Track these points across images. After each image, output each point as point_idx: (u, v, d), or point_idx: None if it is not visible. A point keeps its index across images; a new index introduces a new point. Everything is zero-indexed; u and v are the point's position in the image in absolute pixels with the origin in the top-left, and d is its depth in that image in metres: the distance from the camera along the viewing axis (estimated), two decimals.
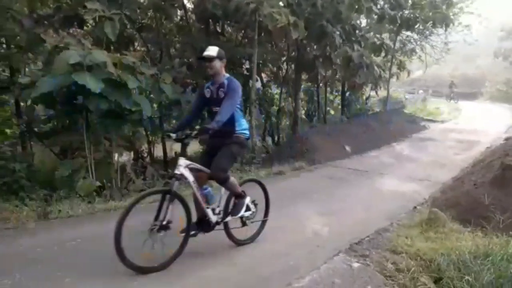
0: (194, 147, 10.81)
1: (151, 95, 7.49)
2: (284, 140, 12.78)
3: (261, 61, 12.18)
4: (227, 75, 3.87)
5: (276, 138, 13.35)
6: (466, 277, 3.08)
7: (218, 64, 3.76)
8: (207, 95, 3.88)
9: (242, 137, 3.88)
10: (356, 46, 12.23)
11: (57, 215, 4.96)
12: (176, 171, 3.54)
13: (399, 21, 14.19)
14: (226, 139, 3.76)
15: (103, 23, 6.50)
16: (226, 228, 3.99)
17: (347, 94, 17.22)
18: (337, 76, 15.27)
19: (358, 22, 13.89)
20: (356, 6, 10.72)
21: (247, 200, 4.01)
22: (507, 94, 28.92)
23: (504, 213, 4.33)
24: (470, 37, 18.56)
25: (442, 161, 8.91)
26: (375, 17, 13.38)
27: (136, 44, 10.53)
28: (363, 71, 12.12)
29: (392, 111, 17.63)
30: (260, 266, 3.63)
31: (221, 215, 3.87)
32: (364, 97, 19.34)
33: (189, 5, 10.99)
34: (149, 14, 10.25)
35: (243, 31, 11.58)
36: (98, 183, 5.96)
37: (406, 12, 14.72)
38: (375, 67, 12.89)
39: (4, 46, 7.52)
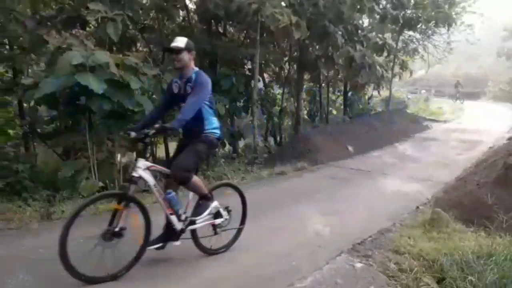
0: None
1: (154, 96, 7.50)
2: (286, 140, 12.79)
3: (263, 61, 12.19)
4: (196, 68, 3.60)
5: (278, 138, 13.36)
6: (469, 277, 3.07)
7: (187, 57, 3.49)
8: (175, 90, 3.63)
9: (212, 136, 3.61)
10: (358, 46, 12.22)
11: (60, 215, 4.97)
12: (134, 173, 3.28)
13: (401, 21, 14.17)
14: (194, 138, 3.55)
15: (105, 24, 6.52)
16: (194, 236, 3.69)
17: (350, 94, 17.21)
18: (339, 76, 15.26)
19: (360, 22, 13.86)
20: (358, 6, 10.70)
21: (214, 204, 3.74)
22: (510, 93, 28.83)
23: (507, 213, 4.30)
24: (473, 36, 18.53)
25: (445, 161, 8.89)
26: (377, 17, 13.37)
27: (138, 44, 10.55)
28: (365, 71, 12.11)
29: (394, 111, 17.61)
30: (262, 266, 3.63)
31: (187, 222, 3.58)
32: (367, 97, 19.33)
33: (191, 6, 11.02)
34: (151, 15, 10.27)
35: (245, 32, 11.59)
36: (100, 184, 5.98)
37: (409, 11, 14.70)
38: (378, 67, 12.89)
39: (7, 47, 7.55)
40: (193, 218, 3.58)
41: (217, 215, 3.80)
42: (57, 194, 5.70)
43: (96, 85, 5.20)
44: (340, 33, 11.25)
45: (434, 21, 14.92)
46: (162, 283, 3.29)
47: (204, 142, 3.54)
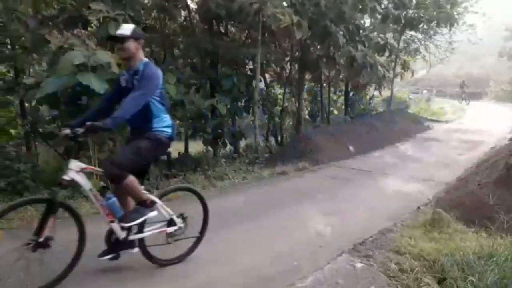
0: (198, 146, 10.85)
1: None
2: (287, 140, 12.78)
3: (264, 61, 12.19)
4: (145, 59, 3.24)
5: (279, 138, 13.35)
6: (470, 278, 3.07)
7: (133, 46, 3.14)
8: (123, 83, 3.27)
9: (160, 135, 3.26)
10: (359, 46, 12.21)
11: (62, 215, 4.97)
12: (65, 177, 2.94)
13: (403, 21, 14.16)
14: (140, 136, 3.24)
15: (107, 24, 6.53)
16: (141, 245, 3.35)
17: (351, 94, 17.20)
18: (341, 76, 15.25)
19: (361, 22, 13.86)
20: (360, 6, 10.69)
21: (153, 213, 3.32)
22: None
23: (508, 214, 4.30)
24: (475, 36, 18.50)
25: (446, 161, 8.88)
26: (379, 16, 13.35)
27: None
28: (366, 71, 12.10)
29: (396, 111, 17.57)
30: (263, 266, 3.63)
31: (135, 230, 3.25)
32: (368, 97, 19.30)
33: (192, 6, 11.02)
34: (153, 14, 10.29)
35: (246, 31, 11.60)
36: (102, 183, 5.98)
37: (410, 11, 14.68)
38: (379, 67, 12.87)
39: (9, 46, 7.57)
40: (124, 225, 3.16)
41: (171, 223, 3.50)
42: (58, 193, 5.69)
43: (98, 85, 5.21)
44: (341, 33, 11.25)
45: (436, 21, 14.89)
46: (164, 281, 3.30)
47: (149, 139, 3.20)
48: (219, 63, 10.98)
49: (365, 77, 12.49)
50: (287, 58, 13.36)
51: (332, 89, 16.73)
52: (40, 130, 7.61)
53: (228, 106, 9.93)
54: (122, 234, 3.17)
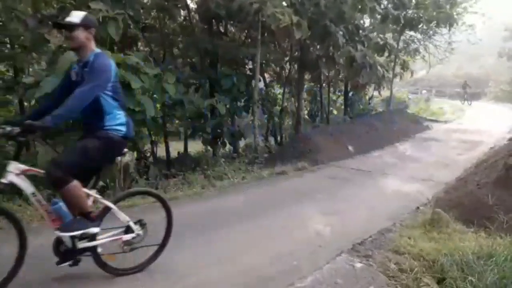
0: (197, 146, 10.85)
1: (154, 95, 7.51)
2: (287, 140, 12.79)
3: (264, 61, 12.20)
4: (97, 50, 2.98)
5: (278, 138, 13.37)
6: (470, 278, 3.07)
7: (83, 35, 2.88)
8: (73, 77, 2.99)
9: (113, 134, 2.97)
10: (359, 46, 12.23)
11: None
12: (3, 180, 2.68)
13: (402, 21, 14.17)
14: (90, 134, 2.97)
15: (106, 23, 6.52)
16: (94, 253, 3.07)
17: (350, 94, 17.23)
18: (340, 76, 15.27)
19: (361, 22, 13.88)
20: (360, 6, 10.70)
21: (95, 230, 2.94)
22: (511, 94, 28.78)
23: (507, 214, 4.30)
24: (474, 36, 18.51)
25: (445, 161, 8.88)
26: (379, 17, 13.37)
27: (139, 44, 10.56)
28: (366, 71, 12.11)
29: (395, 111, 17.59)
30: (262, 265, 3.63)
31: (82, 238, 2.93)
32: (367, 97, 19.34)
33: (192, 5, 11.03)
34: (152, 14, 10.30)
35: (246, 31, 11.61)
36: (101, 183, 5.98)
37: (410, 12, 14.70)
38: (378, 67, 12.89)
39: (8, 46, 7.56)
40: (61, 234, 2.83)
41: (128, 230, 3.21)
42: (57, 193, 5.69)
43: None
44: (341, 33, 11.26)
45: (435, 21, 14.92)
46: (159, 282, 3.30)
47: (98, 138, 2.91)
48: (218, 62, 10.98)
49: (365, 77, 12.50)
50: (287, 58, 13.37)
51: (331, 89, 16.74)
52: None
53: (228, 105, 9.94)
54: (70, 243, 2.85)
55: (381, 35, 15.03)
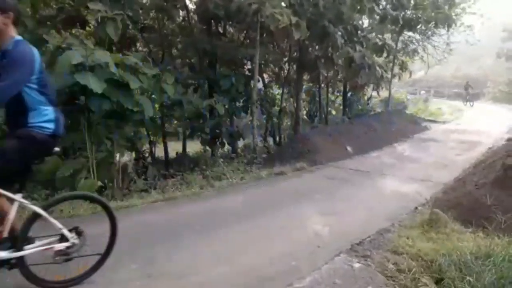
0: (195, 146, 10.85)
1: (153, 96, 7.51)
2: (285, 141, 12.81)
3: (263, 62, 12.22)
4: (18, 37, 2.60)
5: (277, 139, 13.38)
6: (468, 278, 3.07)
7: None
8: None
9: (37, 132, 2.68)
10: (358, 47, 12.23)
11: (59, 215, 4.96)
12: None
13: (401, 22, 14.18)
14: (11, 134, 2.71)
15: (105, 24, 6.53)
16: (21, 264, 2.76)
17: (349, 94, 17.25)
18: (339, 77, 15.29)
19: (360, 22, 13.89)
20: (358, 7, 10.74)
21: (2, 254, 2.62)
22: (509, 95, 28.84)
23: (506, 214, 4.30)
24: (473, 37, 18.54)
25: (444, 161, 8.89)
26: (377, 17, 13.39)
27: (138, 44, 10.57)
28: (365, 72, 12.13)
29: (393, 111, 17.60)
30: (261, 266, 3.63)
31: (10, 249, 2.67)
32: (366, 98, 19.37)
33: (191, 6, 11.05)
34: (151, 14, 10.31)
35: (245, 32, 11.63)
36: (99, 183, 5.98)
37: (408, 12, 14.73)
38: (377, 68, 12.92)
39: None
40: None
41: (62, 238, 2.92)
42: (55, 193, 5.69)
43: (96, 85, 5.21)
44: (339, 33, 11.28)
45: (434, 22, 14.94)
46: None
47: (19, 138, 2.63)
48: (217, 63, 10.99)
49: (363, 78, 12.53)
50: (286, 59, 13.39)
51: (330, 89, 16.77)
52: None
53: (226, 106, 9.95)
54: None
55: (379, 36, 15.05)
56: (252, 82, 10.22)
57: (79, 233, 3.01)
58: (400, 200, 5.97)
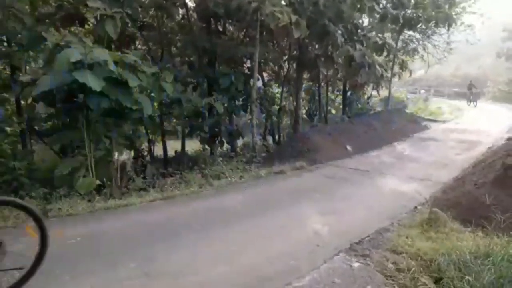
0: (194, 145, 10.83)
1: (152, 94, 7.49)
2: (285, 140, 12.79)
3: (262, 60, 12.19)
4: None
5: (277, 137, 13.36)
6: (467, 277, 3.06)
7: None
8: None
9: None
10: (358, 46, 12.21)
11: (57, 213, 4.96)
12: None
13: (401, 21, 14.18)
14: None
15: (104, 22, 6.50)
16: None
17: (349, 93, 17.22)
18: (339, 76, 15.27)
19: (360, 21, 13.87)
20: (358, 5, 10.72)
21: None
22: (509, 94, 28.81)
23: (505, 213, 4.30)
24: (473, 37, 18.51)
25: (444, 161, 8.88)
26: (377, 16, 13.36)
27: (137, 42, 10.54)
28: (364, 71, 12.11)
29: (393, 110, 17.59)
30: (261, 265, 3.62)
31: None
32: (366, 97, 19.34)
33: (190, 4, 11.01)
34: (150, 12, 10.27)
35: (244, 30, 11.59)
36: (98, 182, 5.97)
37: (409, 11, 14.71)
38: (377, 67, 12.89)
39: (5, 44, 7.53)
40: None
41: None
42: (54, 191, 5.68)
43: (95, 83, 5.19)
44: (340, 32, 11.25)
45: (434, 21, 14.93)
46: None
47: None
48: (216, 61, 10.96)
49: (363, 77, 12.50)
50: (285, 57, 13.36)
51: (330, 88, 16.74)
52: (36, 128, 7.58)
53: (226, 104, 9.93)
54: None
55: (379, 35, 15.03)
56: (251, 80, 10.20)
57: None
58: (399, 200, 5.96)
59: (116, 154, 6.75)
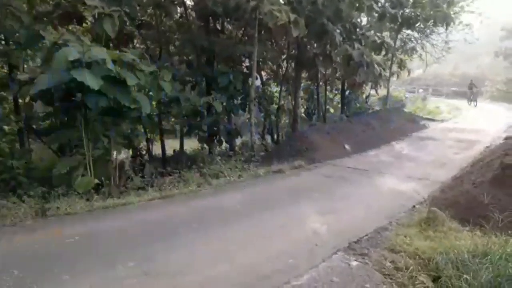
0: (193, 144, 10.83)
1: (150, 93, 7.47)
2: (283, 139, 12.78)
3: (261, 59, 12.18)
4: None
5: (275, 136, 13.36)
6: (465, 276, 3.07)
7: None
8: None
9: None
10: (356, 45, 12.22)
11: (55, 212, 4.95)
12: None
13: (400, 20, 14.18)
14: None
15: (102, 20, 6.48)
16: None
17: (347, 92, 17.22)
18: (337, 75, 15.27)
19: (358, 20, 13.87)
20: (357, 4, 10.71)
21: None
22: (507, 93, 28.85)
23: (503, 212, 4.31)
24: (471, 36, 18.52)
25: (442, 160, 8.90)
26: (376, 15, 13.36)
27: (135, 41, 10.52)
28: (363, 70, 12.11)
29: (392, 110, 17.60)
30: (259, 264, 3.62)
31: None
32: (364, 96, 19.35)
33: (189, 2, 10.99)
34: (148, 11, 10.25)
35: (243, 29, 11.57)
36: (96, 181, 5.96)
37: (407, 10, 14.72)
38: (375, 66, 12.88)
39: (3, 42, 7.50)
40: None
41: None
42: (52, 190, 5.67)
43: (93, 81, 5.17)
44: (338, 31, 11.25)
45: (432, 20, 14.95)
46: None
47: None
48: (215, 60, 10.95)
49: (362, 76, 12.50)
50: (284, 56, 13.35)
51: (328, 87, 16.74)
52: (34, 126, 7.56)
53: (224, 103, 9.91)
54: None
55: (378, 34, 15.03)
56: (250, 79, 10.19)
57: None
58: (398, 199, 5.97)
59: (114, 153, 6.73)
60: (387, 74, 16.03)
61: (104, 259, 3.57)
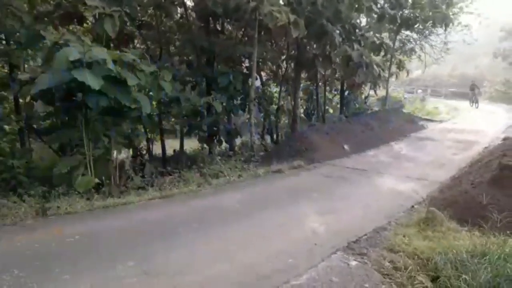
0: (193, 143, 10.85)
1: (151, 93, 7.49)
2: (283, 139, 12.81)
3: (260, 60, 12.20)
4: None
5: (275, 137, 13.38)
6: (463, 276, 3.09)
7: None
8: None
9: None
10: (355, 45, 12.25)
11: (56, 211, 4.96)
12: None
13: (399, 21, 14.22)
14: None
15: (103, 20, 6.50)
16: None
17: (346, 93, 17.24)
18: (337, 75, 15.30)
19: (358, 21, 13.91)
20: (356, 5, 10.74)
21: None
22: (506, 94, 28.90)
23: (501, 213, 4.33)
24: (470, 37, 18.54)
25: (440, 160, 8.93)
26: (375, 16, 13.39)
27: (136, 41, 10.53)
28: (362, 70, 12.14)
29: (391, 110, 17.62)
30: (259, 264, 3.64)
31: None
32: (363, 96, 19.37)
33: (189, 3, 11.00)
34: (149, 11, 10.27)
35: (243, 29, 11.59)
36: (96, 180, 5.97)
37: (406, 11, 14.75)
38: (375, 66, 12.91)
39: (4, 42, 7.51)
40: None
41: None
42: (52, 190, 5.68)
43: (93, 81, 5.19)
44: (337, 32, 11.27)
45: (431, 21, 14.99)
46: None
47: None
48: (215, 60, 10.97)
49: (361, 76, 12.52)
50: (283, 57, 13.37)
51: (327, 88, 16.77)
52: (35, 126, 7.57)
53: (224, 104, 9.93)
54: None
55: (377, 35, 15.06)
56: (250, 80, 10.21)
57: None
58: (396, 199, 5.99)
59: (114, 153, 6.75)
60: (386, 75, 16.05)
61: (104, 259, 3.59)
